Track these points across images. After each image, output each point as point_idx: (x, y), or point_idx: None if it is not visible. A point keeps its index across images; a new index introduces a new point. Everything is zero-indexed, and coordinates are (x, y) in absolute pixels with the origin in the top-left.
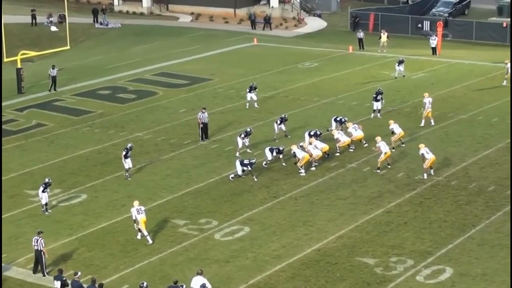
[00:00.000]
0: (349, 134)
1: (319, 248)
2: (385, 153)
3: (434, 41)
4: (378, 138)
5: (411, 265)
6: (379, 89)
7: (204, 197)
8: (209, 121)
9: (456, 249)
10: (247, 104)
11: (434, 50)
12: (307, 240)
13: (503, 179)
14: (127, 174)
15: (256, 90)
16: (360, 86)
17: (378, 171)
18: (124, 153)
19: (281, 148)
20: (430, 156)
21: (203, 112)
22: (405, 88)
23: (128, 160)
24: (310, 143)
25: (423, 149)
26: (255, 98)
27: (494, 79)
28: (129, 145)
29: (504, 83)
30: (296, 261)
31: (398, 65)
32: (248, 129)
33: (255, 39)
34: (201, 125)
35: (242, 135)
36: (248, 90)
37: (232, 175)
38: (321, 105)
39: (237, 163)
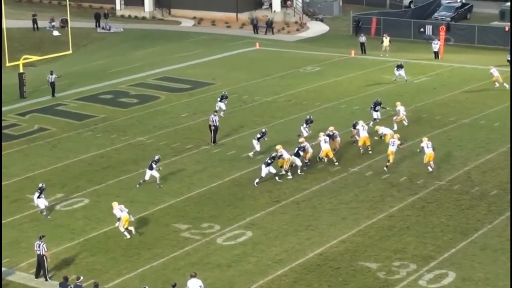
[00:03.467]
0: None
1: (321, 253)
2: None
3: (436, 45)
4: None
5: (414, 270)
6: (378, 100)
7: (206, 202)
8: (219, 125)
9: (458, 254)
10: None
11: (436, 54)
12: (309, 245)
13: (505, 184)
14: (158, 183)
15: (226, 99)
16: (362, 90)
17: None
18: (150, 164)
19: (273, 155)
20: (428, 151)
21: (214, 115)
22: (407, 92)
23: (153, 172)
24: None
25: (424, 143)
26: (223, 107)
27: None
28: (156, 157)
29: (497, 85)
30: (299, 265)
31: (397, 70)
32: (264, 130)
33: (257, 44)
34: (213, 128)
35: (258, 136)
36: (219, 99)
37: (257, 180)
38: (323, 110)
39: (262, 166)
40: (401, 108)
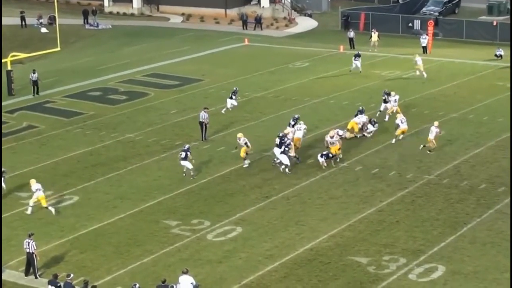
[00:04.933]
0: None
1: (311, 248)
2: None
3: (424, 40)
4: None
5: (404, 264)
6: (385, 90)
7: (196, 198)
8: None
9: (448, 247)
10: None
11: (424, 49)
12: (300, 240)
13: (494, 177)
14: (192, 174)
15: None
16: (351, 85)
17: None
18: (182, 155)
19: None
20: (403, 126)
21: (205, 112)
22: (396, 87)
23: (186, 163)
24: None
25: (399, 119)
26: (235, 103)
27: (485, 78)
28: (186, 146)
29: (417, 73)
30: (289, 260)
31: (354, 59)
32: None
33: (246, 40)
34: (204, 124)
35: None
36: (230, 96)
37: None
38: (312, 105)
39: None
40: (392, 99)
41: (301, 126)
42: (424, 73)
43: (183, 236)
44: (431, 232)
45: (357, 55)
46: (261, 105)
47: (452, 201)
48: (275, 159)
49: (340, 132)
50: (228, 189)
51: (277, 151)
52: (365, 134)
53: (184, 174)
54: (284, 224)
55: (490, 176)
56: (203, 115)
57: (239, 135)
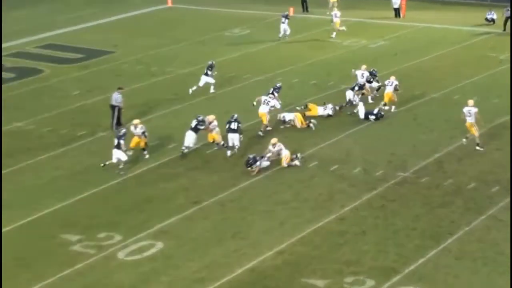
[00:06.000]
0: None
1: (253, 268)
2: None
3: (397, 0)
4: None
5: (372, 287)
6: (373, 70)
7: (103, 205)
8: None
9: (429, 264)
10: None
11: (397, 11)
12: (238, 258)
13: (486, 174)
14: (121, 167)
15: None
16: (303, 58)
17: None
18: (115, 142)
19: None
20: (388, 90)
21: (119, 93)
22: (362, 61)
23: (118, 152)
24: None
25: (387, 81)
26: (212, 81)
27: (473, 48)
28: (122, 130)
29: (333, 36)
30: (225, 284)
31: (282, 22)
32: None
33: (169, 0)
34: (117, 108)
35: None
36: (205, 72)
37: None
38: (255, 84)
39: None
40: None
41: (267, 99)
42: (340, 28)
43: (86, 255)
44: (406, 245)
45: (285, 16)
46: (190, 84)
47: (433, 205)
48: (183, 148)
49: (288, 117)
50: (145, 193)
51: (190, 136)
52: (311, 125)
53: (103, 165)
54: (218, 237)
55: (481, 172)
56: (116, 97)
57: (135, 121)
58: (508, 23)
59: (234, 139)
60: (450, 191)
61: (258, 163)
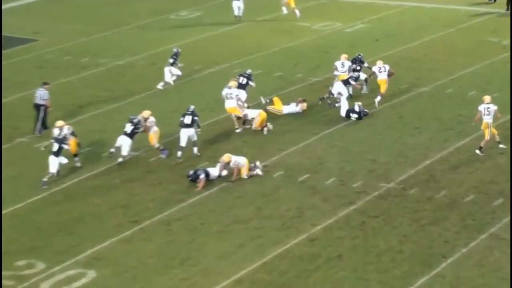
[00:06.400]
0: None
1: None
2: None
3: None
4: None
5: None
6: (359, 55)
7: (22, 226)
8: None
9: None
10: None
11: None
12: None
13: (487, 184)
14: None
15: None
16: (266, 45)
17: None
18: (55, 148)
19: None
20: (381, 77)
21: (44, 89)
22: (336, 47)
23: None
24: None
25: (377, 67)
26: (178, 72)
27: (470, 31)
28: (64, 131)
29: (284, 10)
30: None
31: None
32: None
33: None
34: (43, 108)
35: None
36: (170, 60)
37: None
38: (207, 77)
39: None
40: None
41: (229, 91)
42: (297, 11)
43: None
44: (391, 271)
45: None
46: (127, 78)
47: (423, 222)
48: (112, 150)
49: (252, 115)
50: (74, 211)
51: (124, 141)
52: (265, 128)
53: (45, 181)
54: (164, 263)
55: (480, 182)
56: (41, 95)
57: (59, 123)
58: None
59: (188, 134)
60: (444, 205)
61: (202, 175)
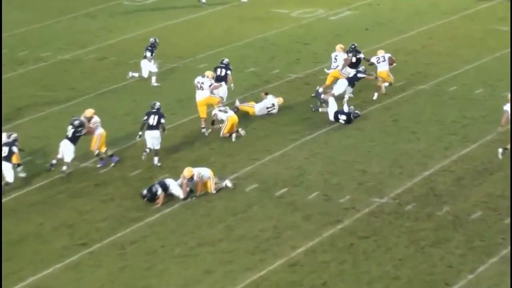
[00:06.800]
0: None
1: None
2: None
3: None
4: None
5: None
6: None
7: None
8: None
9: None
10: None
11: None
12: None
13: (496, 198)
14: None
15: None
16: (237, 36)
17: None
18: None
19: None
20: (381, 68)
21: None
22: (319, 38)
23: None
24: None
25: (375, 58)
26: (154, 70)
27: (475, 19)
28: (13, 136)
29: None
30: None
31: None
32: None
33: None
34: None
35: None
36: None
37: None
38: (168, 74)
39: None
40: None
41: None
42: None
43: None
44: None
45: None
46: (73, 75)
47: (422, 243)
48: (53, 162)
49: (222, 116)
50: (13, 232)
51: (66, 146)
52: (234, 134)
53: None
54: None
55: (489, 196)
56: None
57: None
58: None
59: (153, 138)
60: (447, 224)
61: (159, 191)
